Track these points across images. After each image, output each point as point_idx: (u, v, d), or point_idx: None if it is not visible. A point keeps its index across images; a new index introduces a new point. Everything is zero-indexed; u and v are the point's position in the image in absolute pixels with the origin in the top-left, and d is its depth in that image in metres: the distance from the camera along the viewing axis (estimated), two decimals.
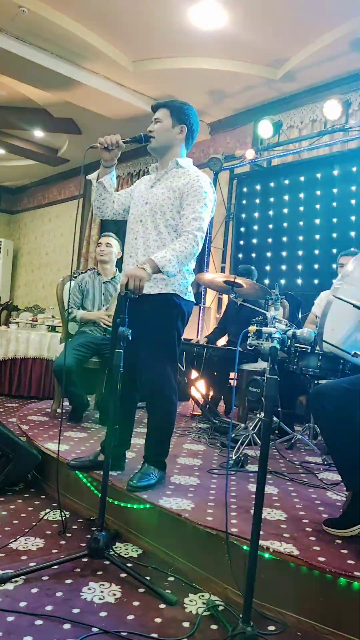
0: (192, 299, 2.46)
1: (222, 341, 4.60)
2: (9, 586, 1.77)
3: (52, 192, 10.74)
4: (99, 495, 2.06)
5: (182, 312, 2.39)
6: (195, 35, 5.12)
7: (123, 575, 1.90)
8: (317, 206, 5.43)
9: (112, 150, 2.35)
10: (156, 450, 2.44)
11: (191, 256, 2.28)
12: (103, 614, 1.66)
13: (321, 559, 1.71)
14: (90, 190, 2.54)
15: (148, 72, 5.88)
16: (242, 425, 3.52)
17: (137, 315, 2.19)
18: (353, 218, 5.08)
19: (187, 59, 5.63)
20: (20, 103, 7.30)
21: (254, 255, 6.07)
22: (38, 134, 8.37)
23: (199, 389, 4.14)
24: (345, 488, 2.07)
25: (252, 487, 2.50)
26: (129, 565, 1.96)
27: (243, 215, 6.28)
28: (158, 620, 1.65)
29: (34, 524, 2.29)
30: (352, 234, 5.06)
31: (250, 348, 3.01)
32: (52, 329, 6.12)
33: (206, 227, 2.34)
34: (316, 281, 5.29)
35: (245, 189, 6.30)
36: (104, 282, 3.96)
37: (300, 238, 5.56)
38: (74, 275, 4.14)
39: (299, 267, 5.55)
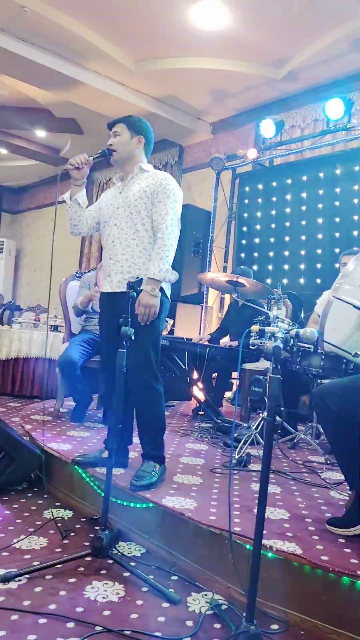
0: (169, 293, 2.53)
1: (225, 340, 4.60)
2: (13, 585, 1.78)
3: (54, 192, 10.74)
4: (102, 494, 2.06)
5: (163, 306, 2.45)
6: (197, 35, 5.12)
7: (126, 574, 1.90)
8: (320, 205, 5.42)
9: (82, 168, 2.47)
10: (152, 444, 2.47)
11: (172, 252, 2.42)
12: (106, 612, 1.66)
13: (324, 558, 1.71)
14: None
15: (150, 71, 5.89)
16: (245, 424, 3.52)
17: (119, 312, 2.17)
18: (356, 217, 5.08)
19: (189, 58, 5.63)
20: (23, 103, 7.31)
21: (256, 254, 6.07)
22: (40, 133, 8.38)
23: (201, 388, 4.14)
24: (348, 487, 2.07)
25: (255, 487, 2.50)
26: (132, 564, 1.96)
27: (245, 215, 6.28)
28: (161, 619, 1.66)
29: (37, 523, 2.29)
30: (355, 233, 5.06)
31: (252, 347, 3.00)
32: (55, 328, 6.13)
33: (178, 221, 2.48)
34: (319, 280, 5.29)
35: (247, 189, 6.30)
36: None
37: (303, 237, 5.55)
38: (78, 275, 4.14)
39: (302, 266, 5.54)
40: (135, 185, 2.49)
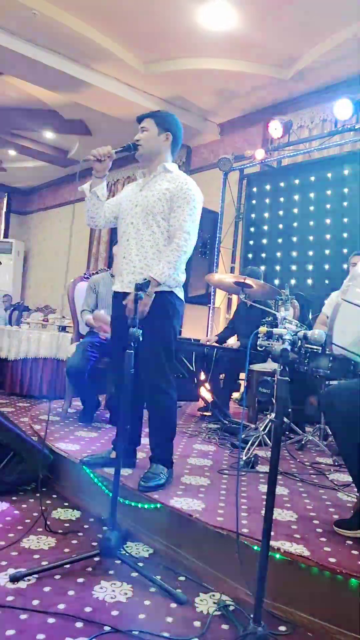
0: (183, 297, 2.52)
1: (232, 341, 4.60)
2: (22, 585, 1.79)
3: (62, 193, 10.80)
4: (110, 494, 2.07)
5: (177, 310, 2.46)
6: (204, 36, 5.13)
7: (134, 574, 1.91)
8: (328, 206, 5.41)
9: (104, 161, 2.43)
10: (162, 448, 2.47)
11: (184, 260, 2.39)
12: (115, 612, 1.67)
13: (332, 559, 1.71)
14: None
15: (158, 73, 5.91)
16: (253, 425, 3.51)
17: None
18: None
19: (197, 59, 5.65)
20: (31, 105, 7.36)
21: (263, 255, 6.06)
22: (49, 135, 8.43)
23: (208, 389, 4.14)
24: (356, 489, 2.06)
25: (263, 488, 2.50)
26: (140, 564, 1.97)
27: (253, 216, 6.27)
28: (169, 619, 1.66)
29: (47, 523, 2.31)
30: None
31: (260, 349, 3.00)
32: (63, 329, 6.16)
33: (197, 227, 2.45)
34: (327, 281, 5.27)
35: (255, 189, 6.29)
36: None
37: (311, 238, 5.54)
38: (86, 276, 4.16)
39: (310, 267, 5.53)
40: (157, 186, 2.45)
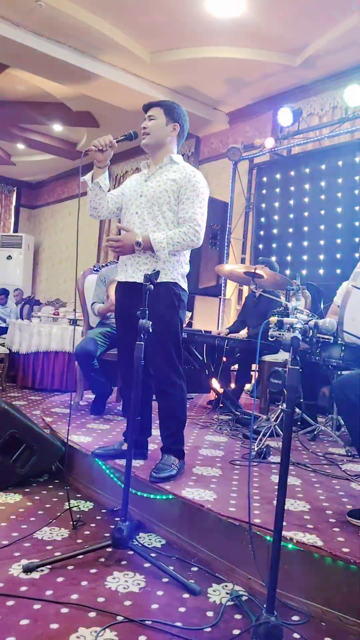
0: (186, 287, 2.51)
1: (243, 333, 4.58)
2: (35, 575, 1.80)
3: (71, 186, 10.80)
4: (122, 486, 2.07)
5: (182, 300, 2.45)
6: (212, 24, 5.06)
7: (147, 565, 1.91)
8: (339, 194, 5.35)
9: (106, 151, 2.40)
10: (173, 439, 2.46)
11: (186, 248, 2.39)
12: (127, 603, 1.68)
13: (345, 549, 1.70)
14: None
15: (165, 62, 5.85)
16: (264, 416, 3.50)
17: (138, 305, 2.18)
18: None
19: (205, 48, 5.58)
20: (39, 97, 7.34)
21: (274, 245, 6.02)
22: (57, 128, 8.41)
23: (220, 380, 4.13)
24: None
25: (275, 479, 2.49)
26: (153, 555, 1.97)
27: (263, 205, 6.22)
28: (182, 609, 1.67)
29: (58, 514, 2.32)
30: None
31: (271, 339, 2.98)
32: (74, 322, 6.17)
33: (205, 220, 2.43)
34: (338, 271, 5.22)
35: (265, 179, 6.24)
36: None
37: (322, 227, 5.49)
38: (95, 269, 4.15)
39: (321, 256, 5.48)
40: (163, 177, 2.43)
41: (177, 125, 2.48)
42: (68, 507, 2.32)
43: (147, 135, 2.44)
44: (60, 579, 1.79)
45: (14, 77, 6.75)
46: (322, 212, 5.50)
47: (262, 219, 6.22)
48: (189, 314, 5.70)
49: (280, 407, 3.32)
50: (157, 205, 2.38)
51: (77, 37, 5.50)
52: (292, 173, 5.88)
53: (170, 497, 2.20)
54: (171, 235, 2.32)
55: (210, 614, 1.65)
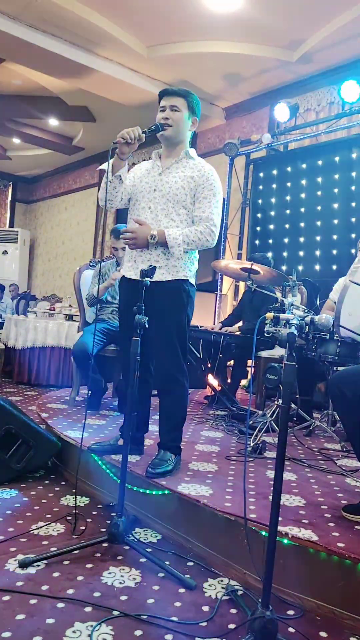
0: (195, 284, 2.50)
1: (236, 327, 4.58)
2: (31, 570, 1.80)
3: (67, 181, 10.75)
4: (118, 481, 2.08)
5: (190, 297, 2.44)
6: (209, 18, 5.04)
7: (143, 560, 1.92)
8: (336, 190, 5.35)
9: (132, 143, 2.27)
10: (171, 435, 2.46)
11: (200, 247, 2.37)
12: (123, 597, 1.68)
13: (340, 544, 1.71)
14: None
15: (162, 57, 5.83)
16: (260, 412, 3.51)
17: (148, 302, 2.18)
18: None
19: (202, 42, 5.56)
20: (35, 92, 7.31)
21: (270, 241, 6.02)
22: (53, 122, 8.37)
23: (216, 376, 4.14)
24: None
25: (271, 474, 2.50)
26: (149, 550, 1.98)
27: (259, 201, 6.22)
28: (178, 604, 1.67)
29: (55, 510, 2.32)
30: None
31: (267, 335, 2.98)
32: (70, 317, 6.17)
33: (220, 220, 2.42)
34: (335, 267, 5.23)
35: (261, 174, 6.23)
36: None
37: (319, 223, 5.49)
38: (92, 264, 4.14)
39: (317, 252, 5.48)
40: (179, 172, 2.37)
41: (197, 120, 2.44)
42: (74, 505, 2.32)
43: (169, 127, 2.34)
44: (56, 574, 1.79)
45: (9, 71, 6.71)
46: (319, 208, 5.50)
47: (259, 215, 6.22)
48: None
49: (276, 402, 3.33)
50: (172, 202, 2.33)
51: (73, 31, 5.46)
52: (289, 169, 5.87)
53: (166, 492, 2.20)
54: (187, 232, 2.30)
55: (205, 608, 1.66)
